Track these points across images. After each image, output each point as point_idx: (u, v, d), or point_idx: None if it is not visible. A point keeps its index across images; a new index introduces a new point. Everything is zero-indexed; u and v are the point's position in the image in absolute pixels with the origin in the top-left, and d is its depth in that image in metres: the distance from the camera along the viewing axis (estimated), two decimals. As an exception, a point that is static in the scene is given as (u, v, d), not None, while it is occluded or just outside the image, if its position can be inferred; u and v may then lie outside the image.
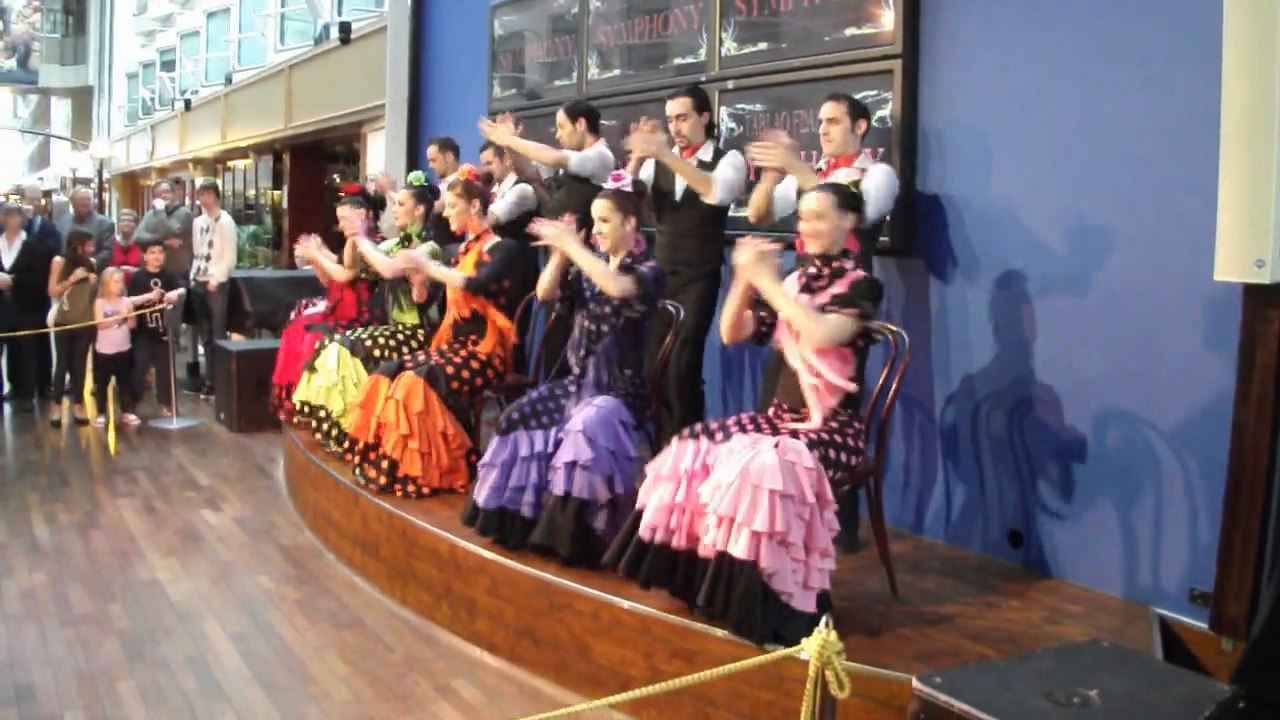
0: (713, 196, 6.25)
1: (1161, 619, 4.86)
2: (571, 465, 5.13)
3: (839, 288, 4.62)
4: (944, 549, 5.87)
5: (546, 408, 5.60)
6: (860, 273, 4.64)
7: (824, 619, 3.03)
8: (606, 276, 5.45)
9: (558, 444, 5.30)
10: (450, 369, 6.47)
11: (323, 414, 7.36)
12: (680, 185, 6.42)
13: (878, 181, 5.38)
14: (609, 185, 5.63)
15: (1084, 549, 5.29)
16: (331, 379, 7.35)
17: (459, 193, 6.62)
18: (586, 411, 5.25)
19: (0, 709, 4.74)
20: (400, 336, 7.46)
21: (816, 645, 2.92)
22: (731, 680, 4.26)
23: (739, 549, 4.21)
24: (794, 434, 4.46)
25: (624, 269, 5.50)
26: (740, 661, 3.34)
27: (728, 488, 4.26)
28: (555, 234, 5.58)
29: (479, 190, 6.74)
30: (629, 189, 5.59)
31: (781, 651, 3.22)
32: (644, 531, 4.62)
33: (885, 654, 4.30)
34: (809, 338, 4.57)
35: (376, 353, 7.34)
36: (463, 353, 6.60)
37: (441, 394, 6.39)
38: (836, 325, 4.54)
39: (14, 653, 5.35)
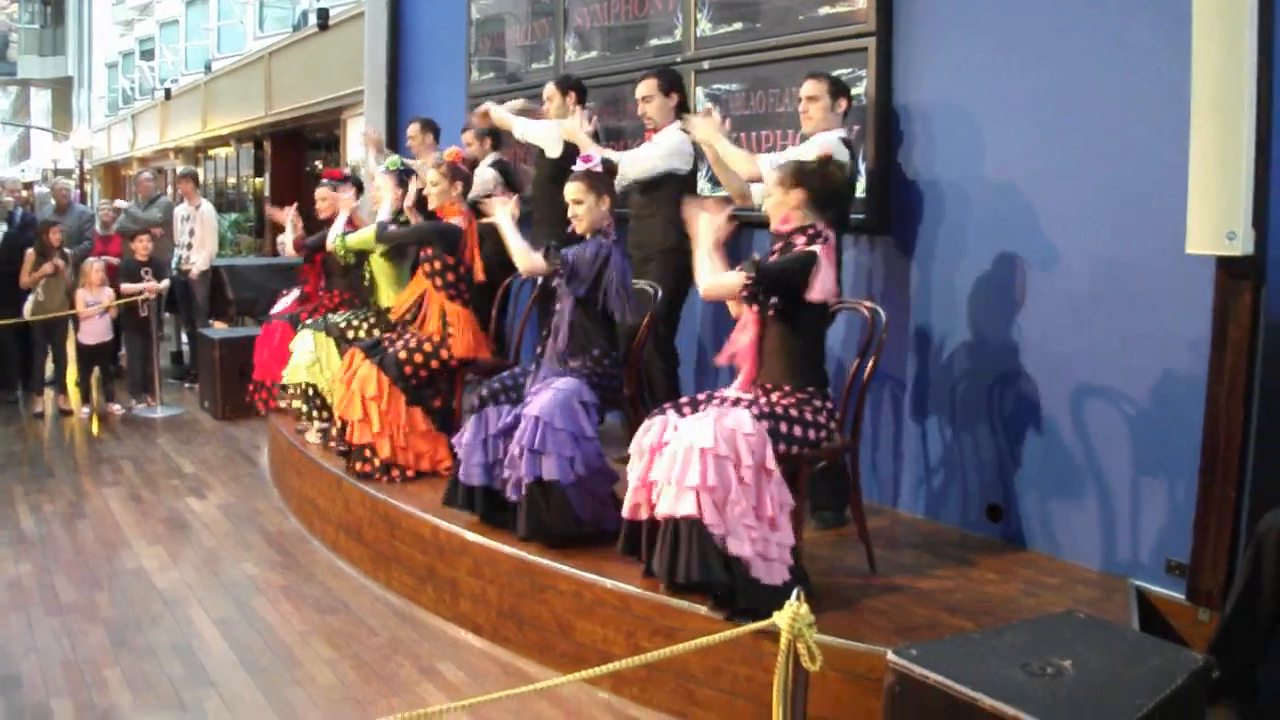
0: (620, 174, 6.43)
1: (1138, 590, 4.90)
2: (535, 452, 5.15)
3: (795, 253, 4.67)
4: (922, 524, 5.90)
5: (516, 382, 5.65)
6: (814, 247, 4.65)
7: (795, 591, 3.05)
8: (521, 254, 5.67)
9: (516, 419, 5.34)
10: (403, 354, 6.49)
11: (311, 391, 7.40)
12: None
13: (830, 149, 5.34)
14: (579, 167, 5.67)
15: (1062, 522, 5.32)
16: (309, 358, 7.40)
17: (443, 173, 6.63)
18: (544, 395, 5.26)
19: (-13, 699, 4.77)
20: (371, 319, 7.49)
21: (787, 618, 2.95)
22: (710, 656, 4.30)
23: (682, 507, 4.29)
24: (749, 404, 4.53)
25: (548, 250, 5.63)
26: (712, 635, 3.36)
27: (670, 455, 4.37)
28: (495, 210, 5.82)
29: (463, 173, 6.77)
30: (599, 169, 5.62)
31: (752, 625, 3.24)
32: (626, 510, 4.68)
33: (863, 628, 4.33)
34: (700, 286, 4.83)
35: (350, 334, 7.37)
36: (418, 337, 6.63)
37: (393, 378, 6.43)
38: (722, 278, 4.71)
39: (1, 642, 5.36)
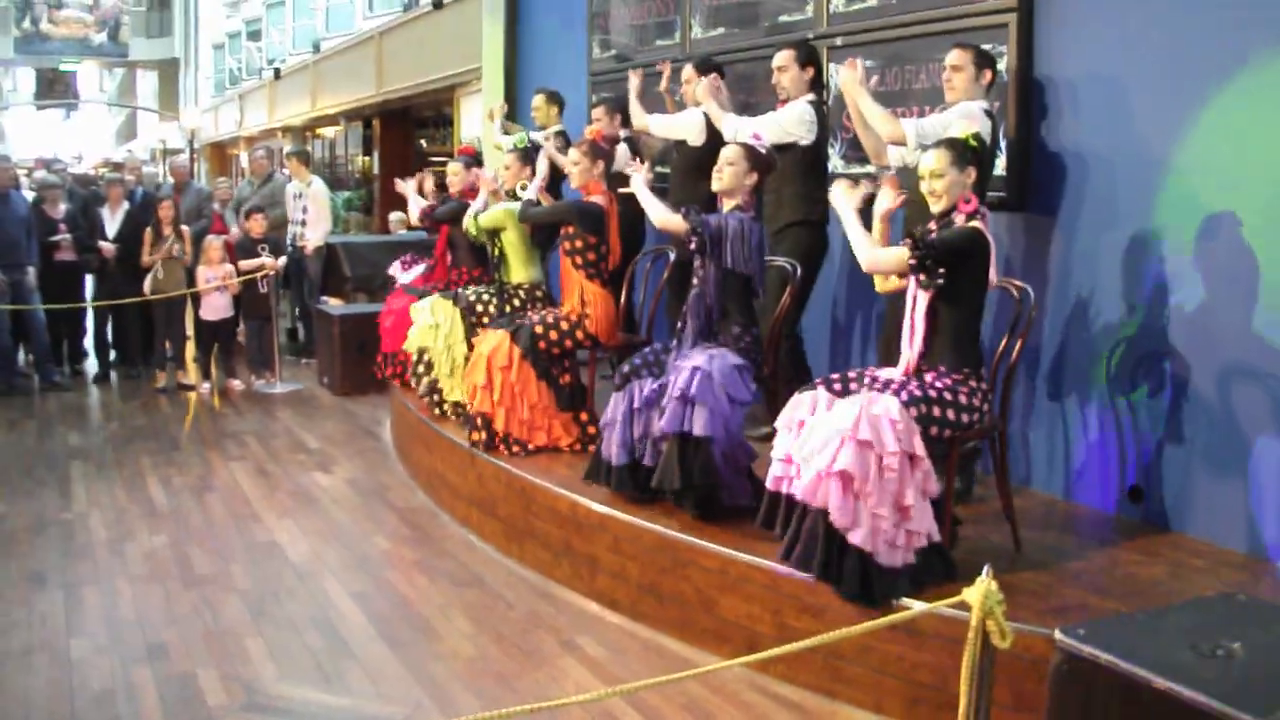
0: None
1: (1288, 573, 4.80)
2: (682, 400, 5.14)
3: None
4: (1063, 504, 5.82)
5: (659, 359, 5.63)
6: (967, 225, 4.60)
7: (985, 569, 3.01)
8: (660, 213, 5.73)
9: (662, 389, 5.35)
10: (540, 328, 6.49)
11: (426, 359, 7.45)
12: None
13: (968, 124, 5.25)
14: (748, 141, 5.66)
15: (1206, 503, 5.21)
16: (428, 320, 7.45)
17: (584, 151, 6.60)
18: (699, 355, 5.27)
19: (135, 666, 4.86)
20: (504, 294, 7.47)
21: (979, 595, 2.91)
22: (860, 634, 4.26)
23: (815, 495, 4.32)
24: (899, 389, 4.49)
25: (687, 212, 5.57)
26: (886, 617, 3.32)
27: (812, 436, 4.40)
28: (631, 177, 5.98)
29: (604, 152, 6.72)
30: (763, 150, 5.58)
31: (947, 600, 3.20)
32: (770, 483, 4.66)
33: (1014, 609, 4.21)
34: (861, 261, 4.78)
35: (479, 308, 7.37)
36: (556, 313, 6.63)
37: (524, 349, 6.43)
38: (883, 253, 4.71)
39: (141, 613, 5.48)
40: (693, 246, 5.48)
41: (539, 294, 7.42)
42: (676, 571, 5.10)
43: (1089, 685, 3.12)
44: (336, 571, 6.03)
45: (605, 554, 5.47)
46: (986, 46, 5.79)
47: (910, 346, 4.68)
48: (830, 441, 4.27)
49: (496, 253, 7.53)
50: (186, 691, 4.63)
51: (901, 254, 4.58)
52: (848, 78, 5.58)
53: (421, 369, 7.46)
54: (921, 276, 4.58)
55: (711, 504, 5.25)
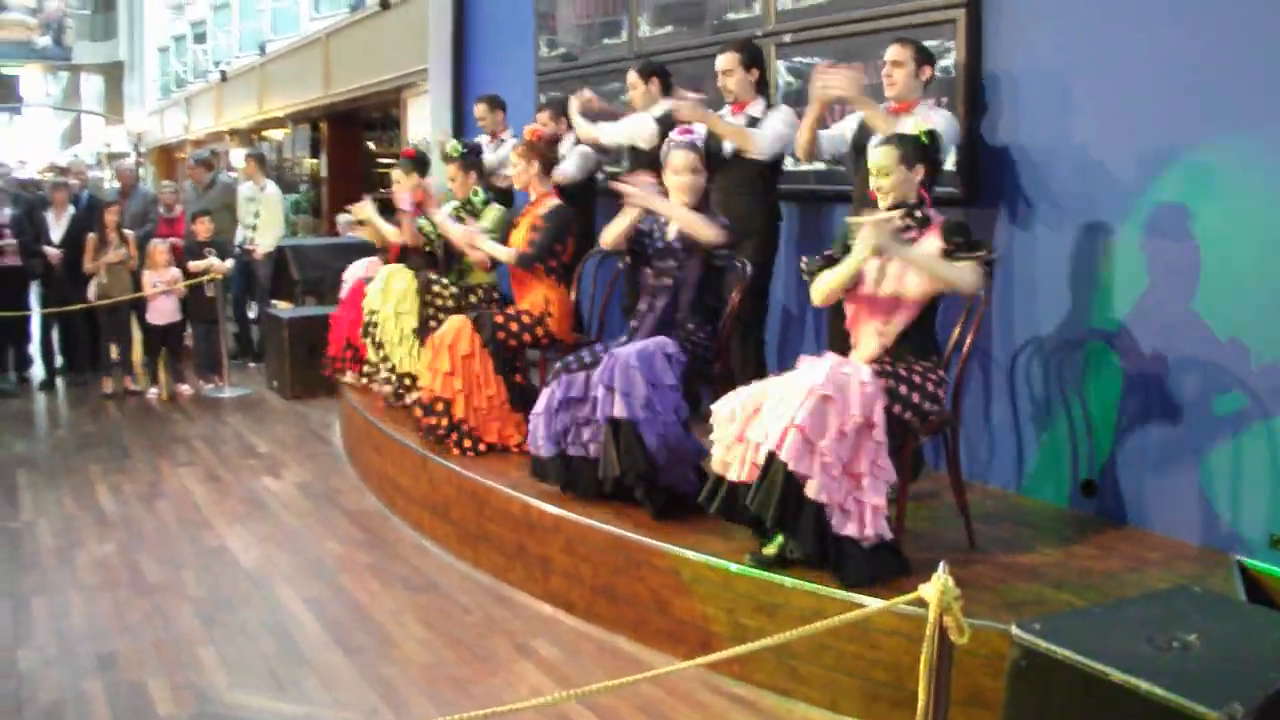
0: (755, 150, 6.27)
1: (1241, 565, 4.81)
2: (604, 387, 5.21)
3: (933, 235, 4.63)
4: (1016, 499, 5.84)
5: (595, 357, 5.62)
6: (942, 217, 4.64)
7: (941, 565, 3.00)
8: (702, 224, 5.49)
9: (586, 385, 5.46)
10: (500, 318, 6.50)
11: (375, 329, 7.41)
12: (729, 142, 6.39)
13: (941, 128, 5.30)
14: (680, 138, 5.63)
15: (1160, 496, 5.24)
16: (381, 285, 7.45)
17: (521, 153, 6.60)
18: (628, 347, 5.33)
19: (85, 677, 4.80)
20: (464, 290, 7.45)
21: (936, 591, 2.90)
22: (835, 634, 4.26)
23: (771, 442, 4.31)
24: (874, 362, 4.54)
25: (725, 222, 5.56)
26: (844, 614, 3.31)
27: (777, 398, 4.39)
28: (639, 194, 5.60)
29: (541, 151, 6.71)
30: (702, 143, 5.59)
31: (905, 597, 3.19)
32: (716, 467, 4.66)
33: (970, 604, 4.21)
34: (964, 288, 4.64)
35: (435, 289, 7.35)
36: (518, 308, 6.62)
37: (485, 339, 6.41)
38: (972, 272, 4.61)
39: (93, 622, 5.42)
40: (723, 249, 5.52)
41: (495, 295, 7.41)
42: (630, 572, 5.07)
43: (1046, 679, 3.12)
44: (289, 577, 5.97)
45: (559, 555, 5.44)
46: (934, 44, 5.81)
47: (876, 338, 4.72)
48: (796, 397, 4.29)
49: (456, 255, 7.45)
50: (137, 701, 4.57)
51: (978, 267, 4.61)
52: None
53: (370, 339, 7.44)
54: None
55: (655, 493, 5.26)
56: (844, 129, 5.92)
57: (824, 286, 4.77)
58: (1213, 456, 5.01)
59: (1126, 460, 5.36)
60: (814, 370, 4.37)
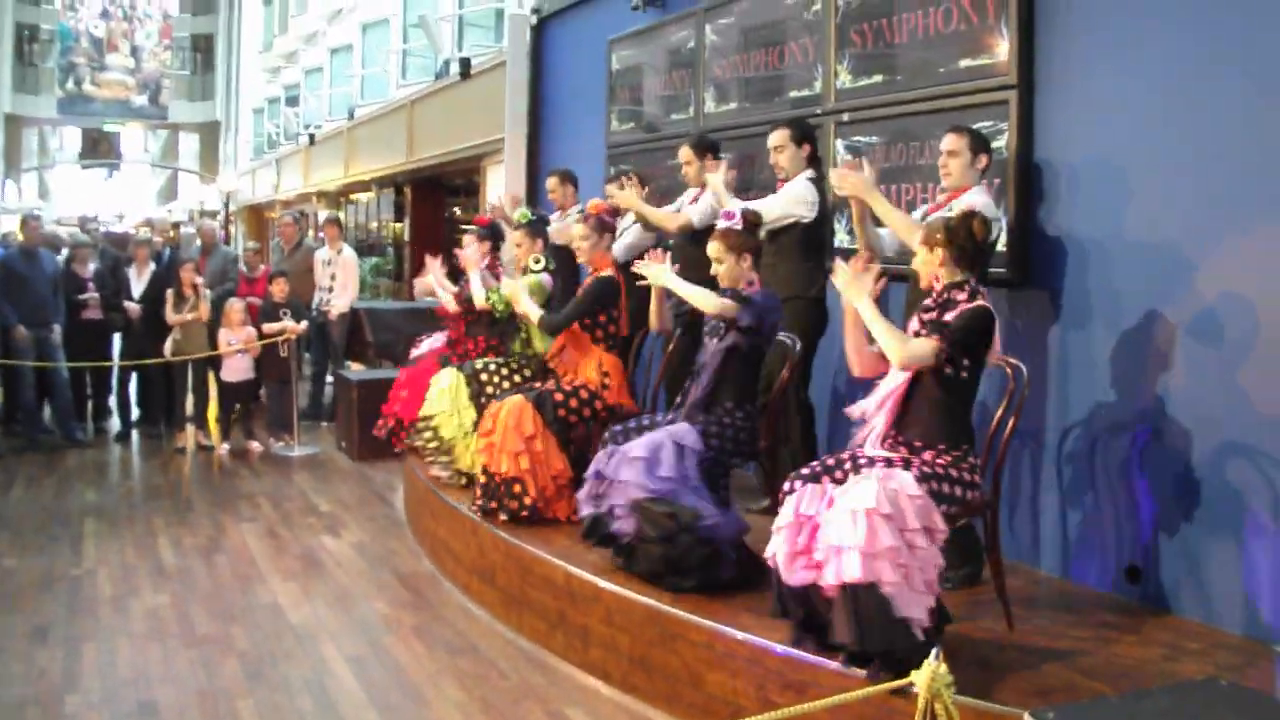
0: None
1: (1283, 657, 4.76)
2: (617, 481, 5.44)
3: (947, 316, 4.63)
4: (1060, 584, 5.78)
5: (641, 427, 5.70)
6: (972, 303, 4.62)
7: (934, 651, 3.01)
8: (704, 297, 5.66)
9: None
10: (559, 395, 6.54)
11: (433, 424, 7.47)
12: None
13: (979, 207, 5.26)
14: (720, 224, 5.71)
15: (1204, 585, 5.18)
16: (441, 386, 7.51)
17: (591, 226, 6.70)
18: (652, 433, 5.46)
19: (126, 727, 4.89)
20: (513, 365, 7.52)
21: (926, 677, 2.91)
22: (839, 713, 4.23)
23: (852, 572, 4.19)
24: (906, 465, 4.47)
25: (733, 296, 5.59)
26: (848, 693, 3.33)
27: (836, 523, 4.28)
28: (652, 272, 5.90)
29: (609, 225, 6.86)
30: (739, 226, 5.65)
31: (889, 684, 3.20)
32: (785, 576, 4.54)
33: (999, 688, 4.25)
34: (891, 357, 4.64)
35: (484, 376, 7.42)
36: (574, 383, 6.67)
37: (547, 419, 6.45)
38: (916, 346, 4.59)
39: (138, 670, 5.53)
40: (744, 324, 5.55)
41: (549, 365, 7.47)
42: (666, 644, 5.09)
43: (1057, 769, 3.12)
44: (335, 635, 6.04)
45: (598, 625, 5.47)
46: (987, 125, 5.84)
47: (881, 416, 4.70)
48: (858, 521, 4.20)
49: (522, 327, 7.55)
50: (172, 751, 4.65)
51: (931, 345, 4.57)
52: (854, 180, 5.60)
53: (429, 434, 7.48)
54: (948, 368, 4.62)
55: (684, 572, 5.29)
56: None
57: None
58: (1258, 546, 4.95)
59: (1171, 548, 5.31)
60: (860, 488, 4.29)
